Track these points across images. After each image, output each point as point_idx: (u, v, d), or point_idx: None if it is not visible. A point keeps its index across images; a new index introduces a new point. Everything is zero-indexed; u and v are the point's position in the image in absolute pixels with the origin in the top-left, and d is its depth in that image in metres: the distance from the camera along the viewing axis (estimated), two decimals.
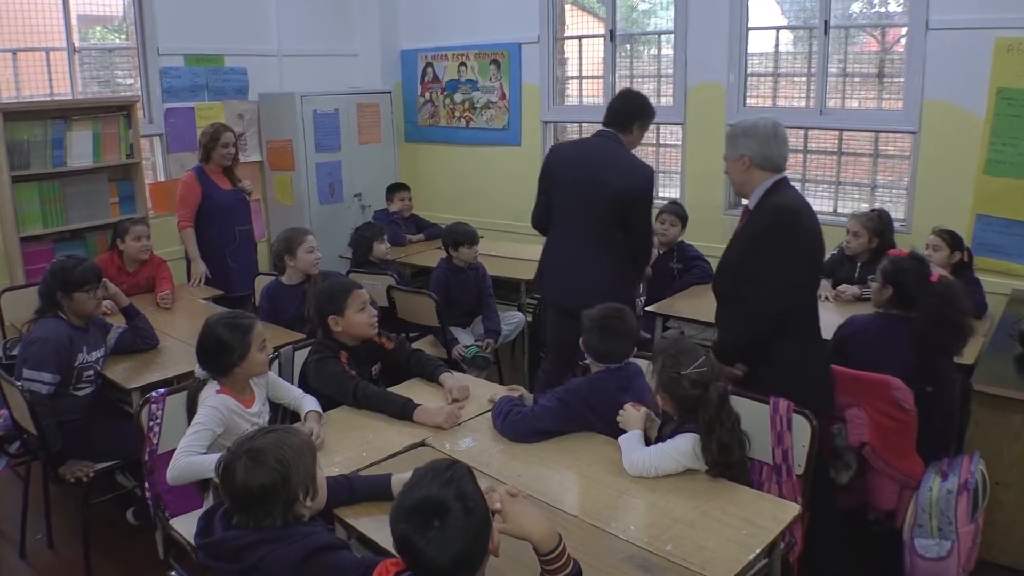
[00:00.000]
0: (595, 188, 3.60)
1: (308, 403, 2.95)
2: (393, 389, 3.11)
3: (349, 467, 2.52)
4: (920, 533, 2.89)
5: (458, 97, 6.78)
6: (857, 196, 5.04)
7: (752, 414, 2.60)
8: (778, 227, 2.77)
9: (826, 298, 4.28)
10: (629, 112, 3.75)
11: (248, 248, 5.36)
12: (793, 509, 2.26)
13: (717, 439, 2.33)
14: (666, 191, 5.84)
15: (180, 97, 6.10)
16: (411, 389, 3.14)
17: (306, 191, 6.36)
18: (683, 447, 2.40)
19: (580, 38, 6.09)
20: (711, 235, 5.40)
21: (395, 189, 6.13)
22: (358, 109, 6.60)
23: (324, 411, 2.94)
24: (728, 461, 2.34)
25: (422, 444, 2.72)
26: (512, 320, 5.01)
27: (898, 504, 3.05)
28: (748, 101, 5.27)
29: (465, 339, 4.69)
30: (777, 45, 5.14)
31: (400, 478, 2.19)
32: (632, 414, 2.57)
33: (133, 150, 5.56)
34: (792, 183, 3.01)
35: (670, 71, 5.54)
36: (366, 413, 2.97)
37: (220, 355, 2.73)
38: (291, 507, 1.90)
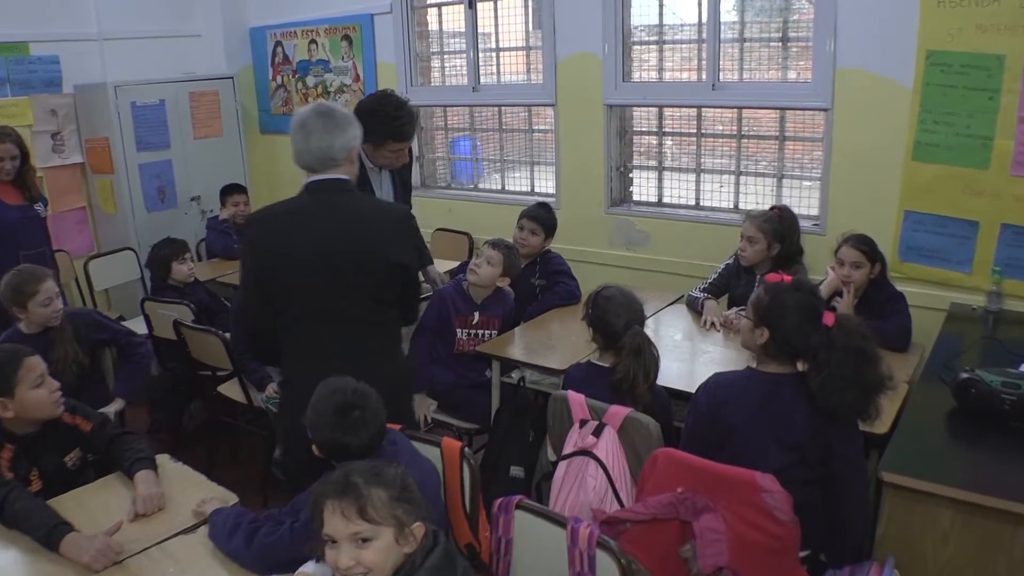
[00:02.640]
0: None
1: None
2: (88, 488, 2.36)
3: None
4: None
5: (310, 80, 5.77)
6: (761, 187, 4.12)
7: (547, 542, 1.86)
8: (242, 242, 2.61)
9: (713, 325, 3.37)
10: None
11: None
12: None
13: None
14: (542, 185, 4.89)
15: None
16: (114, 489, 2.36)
17: (128, 197, 5.34)
18: None
19: (440, 6, 5.09)
20: (591, 238, 4.49)
21: (228, 192, 5.13)
22: (191, 99, 5.57)
23: None
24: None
25: None
26: None
27: None
28: (629, 75, 4.30)
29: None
30: (661, 6, 4.18)
31: None
32: None
33: None
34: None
35: (539, 43, 4.56)
36: None
37: None
38: None
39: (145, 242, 5.26)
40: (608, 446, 2.42)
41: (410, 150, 3.58)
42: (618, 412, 2.42)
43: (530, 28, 4.63)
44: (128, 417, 3.70)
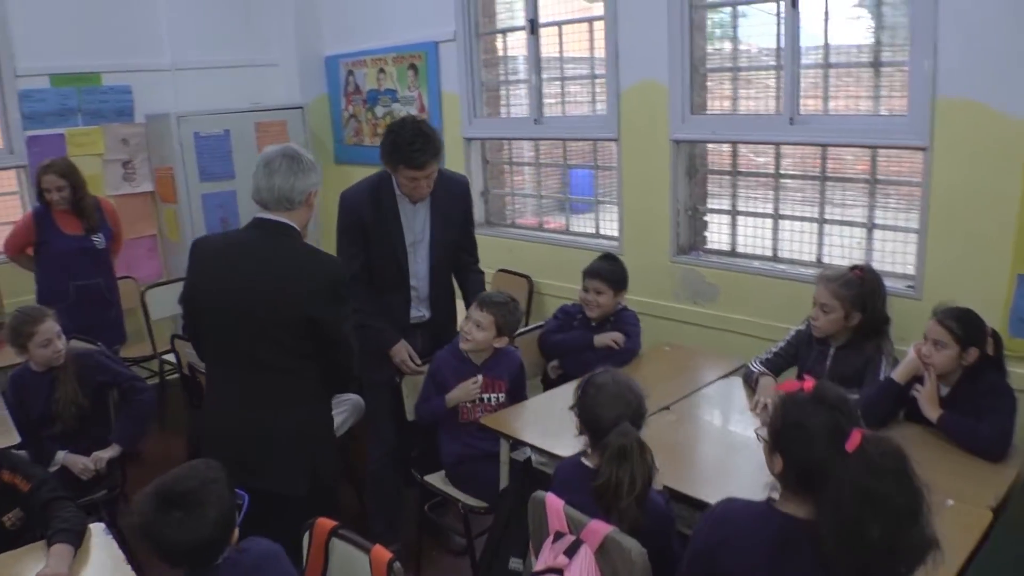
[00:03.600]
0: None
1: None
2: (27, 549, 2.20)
3: None
4: None
5: (379, 110, 5.52)
6: (848, 239, 3.49)
7: None
8: None
9: (765, 407, 2.81)
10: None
11: (88, 308, 4.39)
12: None
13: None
14: (607, 227, 4.40)
15: (45, 123, 5.13)
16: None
17: (190, 226, 5.25)
18: None
19: (504, 32, 4.73)
20: (655, 288, 3.99)
21: None
22: (258, 129, 5.43)
23: None
24: None
25: None
26: (342, 405, 3.76)
27: None
28: (700, 106, 3.78)
29: None
30: (735, 27, 3.64)
31: None
32: None
33: None
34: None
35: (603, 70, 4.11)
36: None
37: None
38: None
39: None
40: (581, 570, 1.93)
41: (463, 184, 3.36)
42: (598, 529, 1.94)
43: (595, 54, 4.19)
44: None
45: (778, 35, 3.41)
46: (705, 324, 3.85)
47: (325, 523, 2.05)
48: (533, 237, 4.73)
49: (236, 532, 1.88)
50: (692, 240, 3.98)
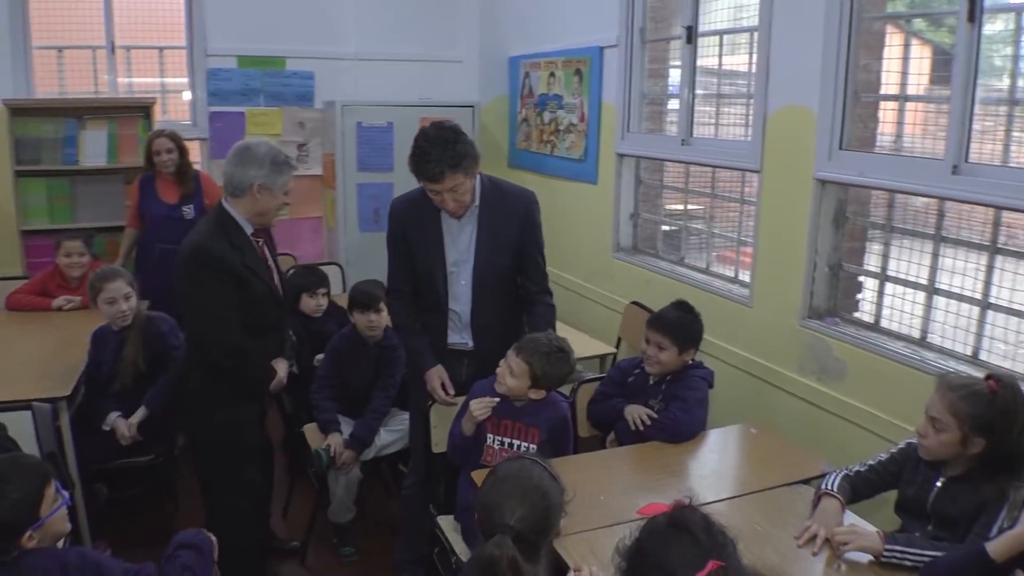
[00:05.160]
0: None
1: None
2: None
3: None
4: None
5: (546, 116, 5.19)
6: (1017, 333, 2.62)
7: None
8: None
9: (812, 539, 2.14)
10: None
11: (167, 273, 4.54)
12: None
13: None
14: (746, 273, 3.74)
15: (229, 101, 5.44)
16: None
17: (344, 214, 5.28)
18: None
19: (668, 40, 4.19)
20: (779, 354, 3.35)
21: None
22: (422, 124, 5.31)
23: None
24: None
25: None
26: (398, 424, 3.52)
27: None
28: (849, 137, 3.04)
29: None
30: (908, 44, 2.87)
31: None
32: None
33: None
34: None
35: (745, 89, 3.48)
36: None
37: None
38: None
39: (352, 259, 5.26)
40: None
41: (525, 200, 2.95)
42: None
43: (753, 69, 3.55)
44: None
45: (952, 60, 2.62)
46: (825, 406, 3.13)
47: None
48: (670, 272, 4.17)
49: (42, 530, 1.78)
50: (830, 303, 3.24)
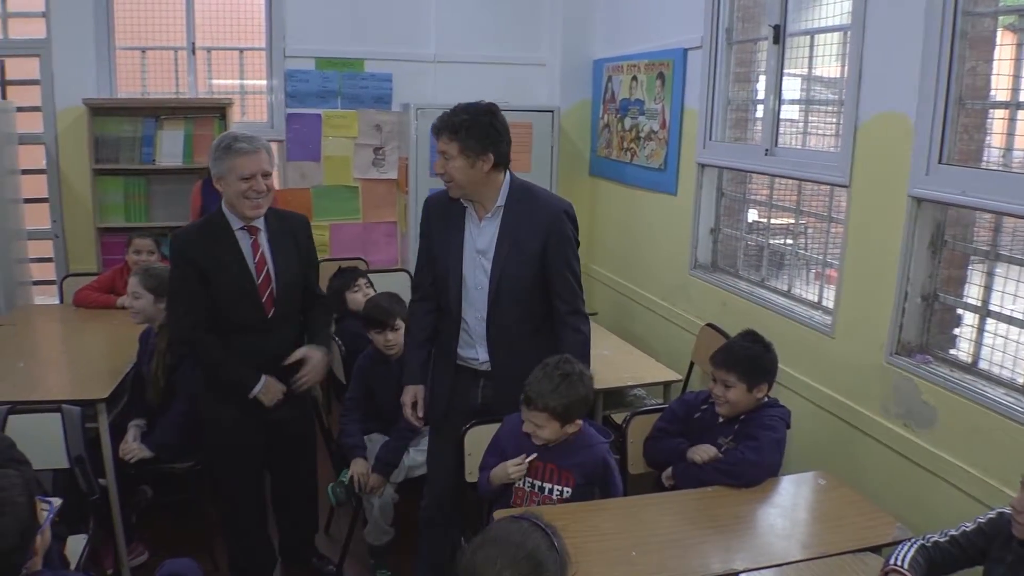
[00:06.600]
0: None
1: None
2: None
3: None
4: None
5: (627, 122, 4.91)
6: None
7: None
8: None
9: None
10: None
11: None
12: None
13: None
14: (831, 298, 3.37)
15: (306, 103, 5.38)
16: None
17: (415, 219, 5.14)
18: None
19: (755, 40, 3.84)
20: (862, 393, 3.01)
21: None
22: None
23: None
24: None
25: None
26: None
27: None
28: (950, 150, 2.65)
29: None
30: (1021, 50, 2.47)
31: None
32: None
33: None
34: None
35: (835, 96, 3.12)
36: None
37: None
38: None
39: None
40: None
41: (557, 208, 2.66)
42: None
43: (845, 75, 3.19)
44: None
45: None
46: (910, 455, 2.74)
47: None
48: (750, 294, 3.82)
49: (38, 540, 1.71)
50: (922, 338, 2.85)
